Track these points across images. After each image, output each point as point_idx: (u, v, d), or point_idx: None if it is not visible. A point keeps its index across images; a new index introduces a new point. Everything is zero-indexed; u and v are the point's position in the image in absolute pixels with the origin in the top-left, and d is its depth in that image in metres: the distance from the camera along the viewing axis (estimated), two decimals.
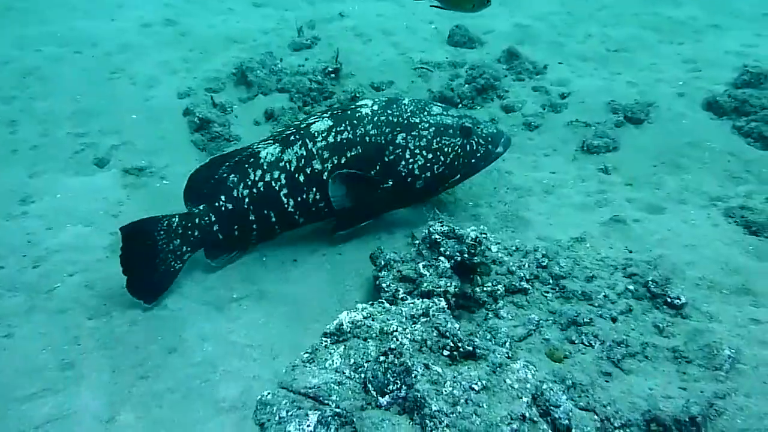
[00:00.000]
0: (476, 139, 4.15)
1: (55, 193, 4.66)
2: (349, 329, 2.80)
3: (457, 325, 2.79)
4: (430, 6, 4.89)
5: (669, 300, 3.18)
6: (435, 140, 4.08)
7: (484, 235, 3.48)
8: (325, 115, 4.09)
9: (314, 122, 4.06)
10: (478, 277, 3.46)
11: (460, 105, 5.69)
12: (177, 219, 3.91)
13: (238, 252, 4.17)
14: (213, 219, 3.99)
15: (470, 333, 3.16)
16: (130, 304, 3.69)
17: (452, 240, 3.44)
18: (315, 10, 8.33)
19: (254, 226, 4.08)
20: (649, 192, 4.33)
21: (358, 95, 5.86)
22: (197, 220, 3.96)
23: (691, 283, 3.34)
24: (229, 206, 4.01)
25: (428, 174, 4.12)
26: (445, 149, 4.10)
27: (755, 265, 3.47)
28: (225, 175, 4.04)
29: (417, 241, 3.59)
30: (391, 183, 4.08)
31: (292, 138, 4.04)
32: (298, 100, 5.81)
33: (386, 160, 4.04)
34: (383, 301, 3.06)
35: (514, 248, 3.66)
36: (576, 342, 3.09)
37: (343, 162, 4.00)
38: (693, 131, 4.87)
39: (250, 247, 4.20)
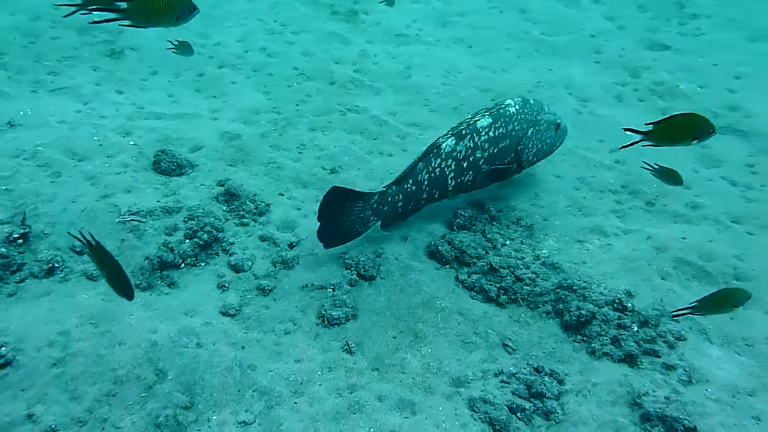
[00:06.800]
0: (560, 132, 5.82)
1: None
2: None
3: None
4: (638, 144, 4.01)
5: None
6: (545, 134, 5.63)
7: None
8: (486, 113, 5.38)
9: (479, 119, 5.34)
10: None
11: (183, 265, 5.15)
12: (376, 197, 5.08)
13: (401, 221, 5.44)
14: (400, 197, 5.19)
15: None
16: None
17: None
18: None
19: (422, 202, 5.35)
20: (397, 380, 4.32)
21: (57, 265, 4.98)
22: (389, 198, 5.15)
23: None
24: (413, 188, 5.21)
25: (535, 159, 5.76)
26: (548, 140, 5.71)
27: None
28: (415, 162, 5.22)
29: None
30: (515, 166, 5.64)
31: (463, 132, 5.30)
32: None
33: (518, 149, 5.51)
34: None
35: None
36: None
37: (495, 151, 5.42)
38: (422, 287, 4.98)
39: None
